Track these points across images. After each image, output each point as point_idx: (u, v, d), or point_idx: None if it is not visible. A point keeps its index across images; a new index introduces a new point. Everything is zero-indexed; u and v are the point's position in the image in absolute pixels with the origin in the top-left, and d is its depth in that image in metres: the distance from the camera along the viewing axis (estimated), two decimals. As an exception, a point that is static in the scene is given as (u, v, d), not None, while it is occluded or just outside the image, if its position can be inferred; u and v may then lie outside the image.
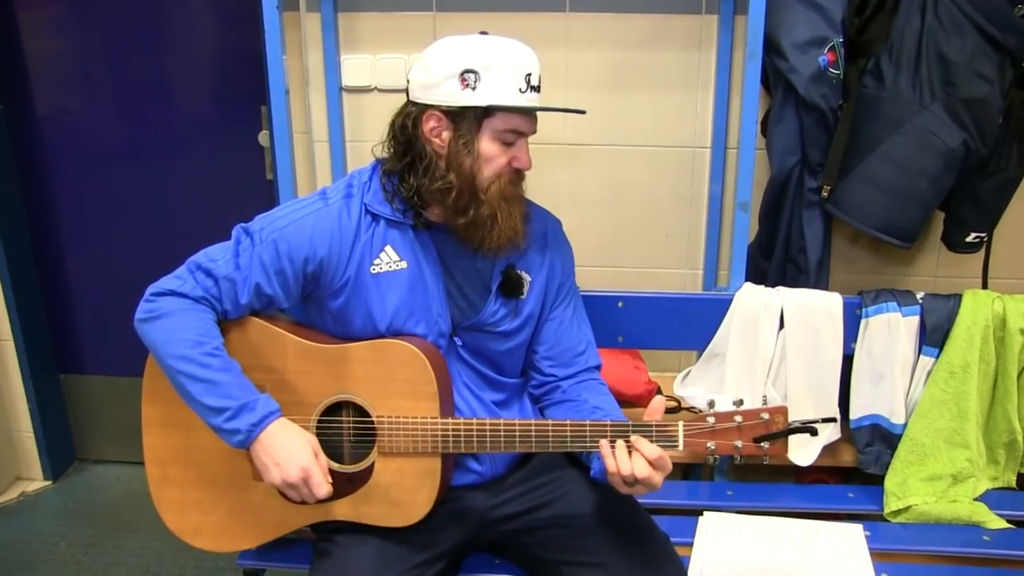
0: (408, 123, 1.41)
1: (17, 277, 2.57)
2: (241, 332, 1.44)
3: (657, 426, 1.33)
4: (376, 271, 1.44)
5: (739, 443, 1.34)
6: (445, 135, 1.38)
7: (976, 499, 1.83)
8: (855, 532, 1.72)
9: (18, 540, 2.48)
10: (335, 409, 1.45)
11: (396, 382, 1.40)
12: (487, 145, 1.38)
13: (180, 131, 2.49)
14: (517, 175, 1.44)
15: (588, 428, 1.36)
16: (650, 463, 1.28)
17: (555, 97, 2.17)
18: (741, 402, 1.35)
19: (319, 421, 1.44)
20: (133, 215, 2.57)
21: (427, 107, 1.38)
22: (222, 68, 2.43)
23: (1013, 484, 1.89)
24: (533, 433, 1.38)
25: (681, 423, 1.34)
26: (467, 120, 1.37)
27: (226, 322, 1.43)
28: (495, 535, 1.54)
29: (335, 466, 1.43)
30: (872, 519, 1.81)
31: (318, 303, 1.48)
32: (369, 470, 1.43)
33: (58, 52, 2.45)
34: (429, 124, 1.39)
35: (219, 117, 2.47)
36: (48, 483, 2.77)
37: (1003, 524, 1.76)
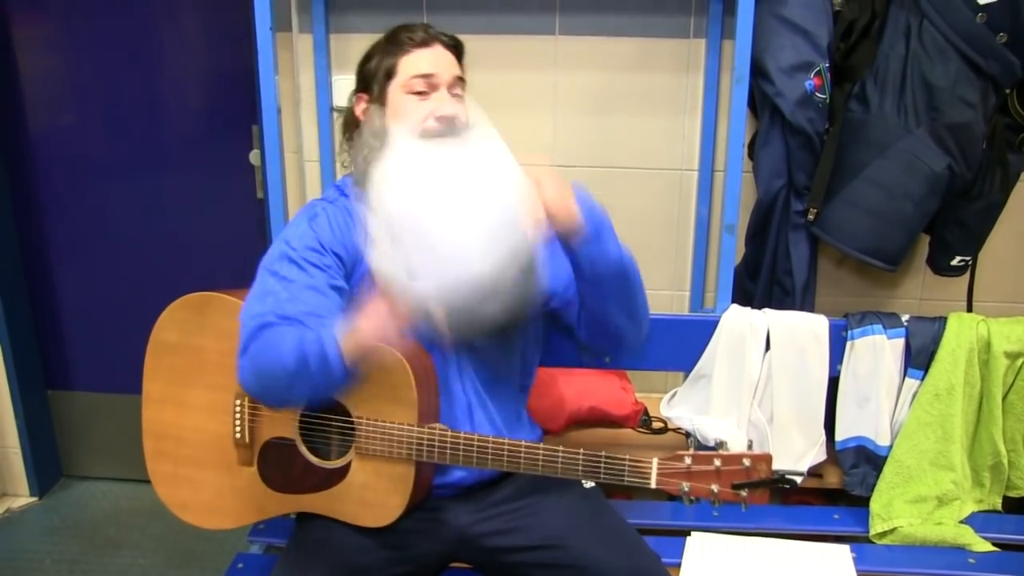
0: (350, 118, 1.57)
1: (6, 292, 2.57)
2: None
3: (631, 462, 1.32)
4: None
5: (716, 487, 1.31)
6: (364, 106, 1.53)
7: (961, 521, 1.83)
8: (843, 553, 1.71)
9: (3, 557, 2.46)
10: (327, 406, 1.46)
11: (377, 385, 1.41)
12: (396, 98, 1.48)
13: (171, 148, 2.49)
14: (447, 126, 1.43)
15: (560, 453, 1.36)
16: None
17: (543, 118, 2.19)
18: (723, 444, 1.34)
19: (303, 415, 1.46)
20: (123, 232, 2.57)
21: (354, 94, 1.56)
22: (214, 87, 2.45)
23: (998, 507, 1.89)
24: (505, 452, 1.38)
25: (655, 460, 1.32)
26: (377, 84, 1.51)
27: (230, 318, 1.40)
28: (477, 552, 1.53)
29: (315, 460, 1.45)
30: (857, 541, 1.80)
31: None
32: (346, 468, 1.44)
33: (51, 68, 2.46)
34: (360, 107, 1.54)
35: (210, 135, 2.48)
36: (34, 499, 2.75)
37: (988, 547, 1.77)
